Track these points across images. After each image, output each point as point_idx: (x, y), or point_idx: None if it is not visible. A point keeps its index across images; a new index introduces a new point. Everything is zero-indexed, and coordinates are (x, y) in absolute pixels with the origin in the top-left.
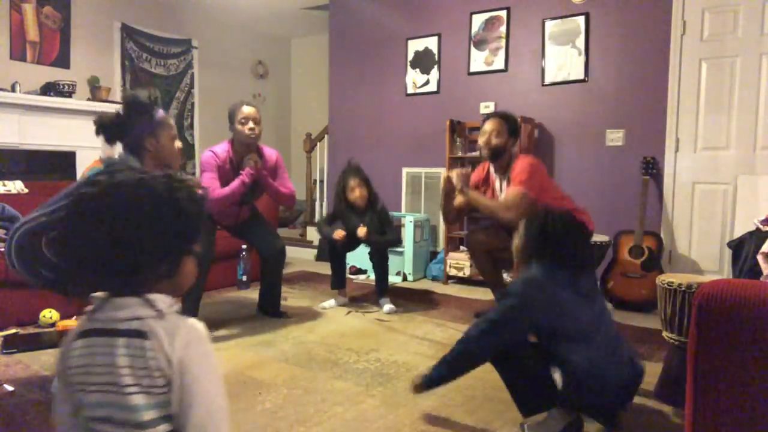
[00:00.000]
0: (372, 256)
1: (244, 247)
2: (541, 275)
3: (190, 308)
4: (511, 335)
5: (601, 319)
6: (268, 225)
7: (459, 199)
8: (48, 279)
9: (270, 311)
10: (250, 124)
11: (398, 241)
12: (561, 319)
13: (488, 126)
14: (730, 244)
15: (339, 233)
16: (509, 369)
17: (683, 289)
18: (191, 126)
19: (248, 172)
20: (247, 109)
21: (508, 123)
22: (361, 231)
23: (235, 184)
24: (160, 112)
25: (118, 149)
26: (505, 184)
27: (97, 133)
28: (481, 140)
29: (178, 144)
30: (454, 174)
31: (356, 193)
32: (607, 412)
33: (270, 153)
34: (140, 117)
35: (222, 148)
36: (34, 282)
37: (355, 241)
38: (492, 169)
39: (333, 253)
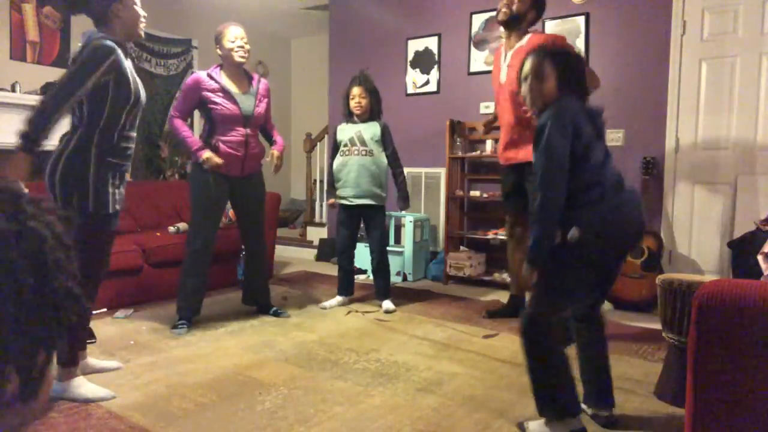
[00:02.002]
0: (372, 259)
1: (244, 247)
2: (569, 101)
3: (188, 300)
4: (563, 148)
5: (607, 156)
6: (258, 216)
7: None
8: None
9: (260, 302)
10: (239, 42)
11: (404, 178)
12: (587, 142)
13: None
14: (730, 244)
15: (332, 202)
16: (538, 360)
17: (683, 289)
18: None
19: (205, 159)
20: (234, 28)
21: None
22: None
23: (189, 141)
24: None
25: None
26: (510, 55)
27: (68, 9)
28: (501, 3)
29: (140, 10)
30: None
31: (355, 100)
32: (626, 246)
33: (263, 82)
34: None
35: (209, 72)
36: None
37: (354, 230)
38: (502, 48)
39: (342, 259)
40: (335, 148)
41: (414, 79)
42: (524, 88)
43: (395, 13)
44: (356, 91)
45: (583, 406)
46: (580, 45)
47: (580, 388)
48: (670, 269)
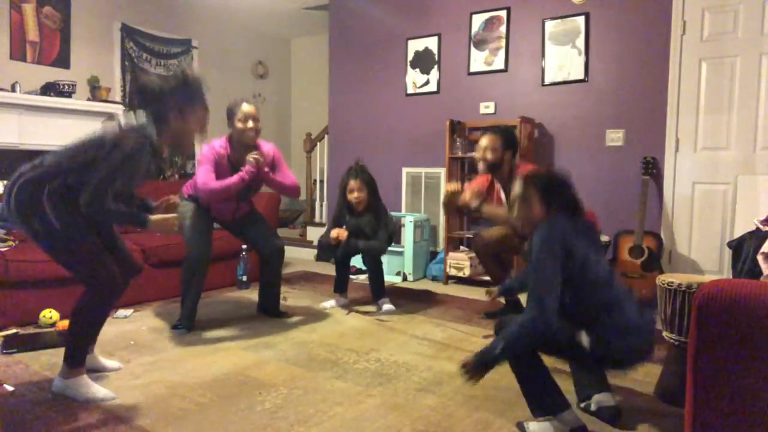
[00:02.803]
0: (365, 261)
1: (244, 247)
2: (556, 221)
3: (188, 310)
4: (553, 268)
5: (608, 268)
6: (267, 224)
7: (464, 197)
8: (38, 231)
9: (270, 311)
10: (250, 123)
11: (382, 248)
12: (582, 260)
13: (483, 142)
14: (730, 244)
15: (338, 234)
16: (525, 367)
17: (683, 289)
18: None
19: (249, 169)
20: (246, 107)
21: (503, 137)
22: (339, 233)
23: (234, 179)
24: (204, 97)
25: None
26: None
27: (137, 92)
28: (477, 155)
29: (202, 132)
30: (467, 193)
31: (354, 194)
32: (636, 360)
33: (268, 148)
34: (184, 89)
35: (220, 144)
36: (27, 232)
37: (353, 248)
38: (495, 179)
39: (339, 259)
40: (338, 220)
41: (414, 79)
42: (515, 213)
43: (395, 13)
44: (353, 183)
45: (582, 405)
46: (580, 45)
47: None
48: (670, 269)
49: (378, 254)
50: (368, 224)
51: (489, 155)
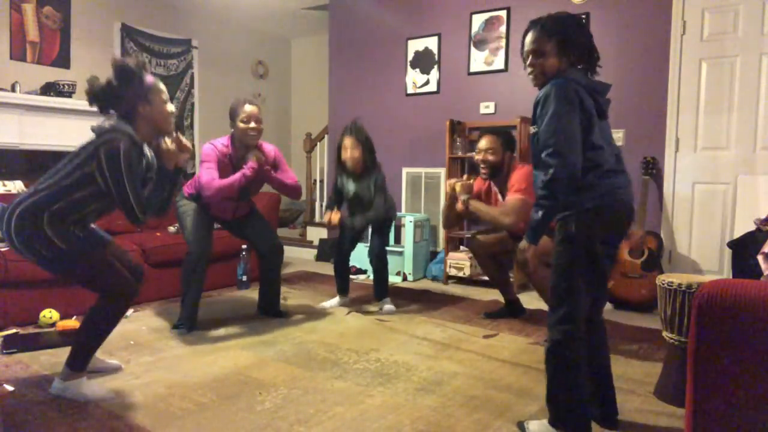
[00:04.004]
0: (371, 260)
1: (244, 247)
2: (573, 76)
3: (188, 309)
4: (575, 123)
5: (610, 137)
6: (266, 223)
7: (460, 207)
8: (47, 257)
9: (270, 311)
10: (252, 124)
11: (386, 218)
12: (585, 115)
13: (482, 144)
14: (730, 244)
15: (329, 218)
16: (563, 377)
17: (683, 289)
18: (191, 126)
19: (251, 166)
20: (249, 108)
21: (502, 138)
22: (332, 218)
23: (236, 176)
24: (150, 77)
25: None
26: (506, 193)
27: (90, 102)
28: (477, 157)
29: (170, 107)
30: (458, 185)
31: (347, 153)
32: (618, 232)
33: (269, 149)
34: (131, 83)
35: (222, 143)
36: (33, 260)
37: (357, 232)
38: (492, 182)
39: (337, 258)
40: (338, 198)
41: (414, 79)
42: (527, 65)
43: (395, 13)
44: (347, 141)
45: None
46: None
47: None
48: (670, 269)
49: (378, 221)
50: (367, 190)
51: (490, 157)
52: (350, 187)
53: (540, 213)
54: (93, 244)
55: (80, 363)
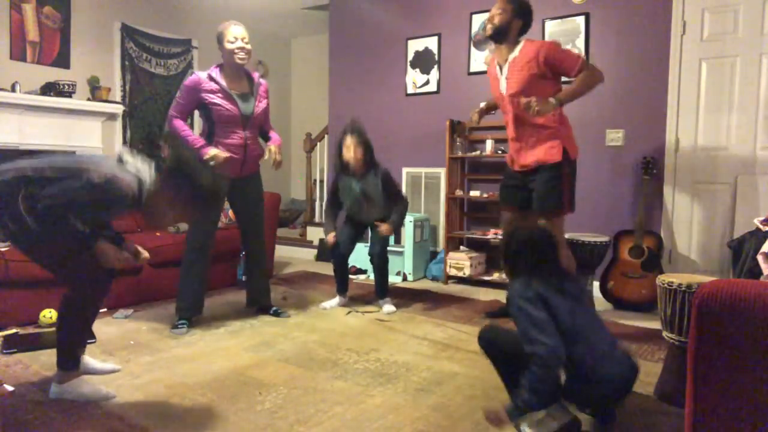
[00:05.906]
0: (372, 260)
1: (243, 247)
2: (527, 283)
3: (187, 301)
4: (536, 311)
5: (594, 321)
6: (259, 219)
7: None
8: (14, 232)
9: (261, 303)
10: (239, 43)
11: (403, 219)
12: (557, 317)
13: (494, 8)
14: (730, 244)
15: (330, 237)
16: (502, 360)
17: (683, 289)
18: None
19: (211, 155)
20: (235, 27)
21: (515, 4)
22: (330, 239)
23: (192, 140)
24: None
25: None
26: (506, 68)
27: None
28: (487, 20)
29: (181, 225)
30: (474, 115)
31: (350, 152)
32: (608, 404)
33: (262, 83)
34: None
35: (208, 74)
36: (2, 233)
37: (357, 233)
38: (496, 61)
39: (336, 258)
40: (335, 195)
41: (414, 79)
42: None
43: (395, 13)
44: (350, 140)
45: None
46: (580, 45)
47: None
48: (670, 269)
49: (403, 219)
50: (374, 187)
51: (497, 18)
52: (355, 186)
53: (528, 400)
54: (64, 234)
55: (69, 361)
